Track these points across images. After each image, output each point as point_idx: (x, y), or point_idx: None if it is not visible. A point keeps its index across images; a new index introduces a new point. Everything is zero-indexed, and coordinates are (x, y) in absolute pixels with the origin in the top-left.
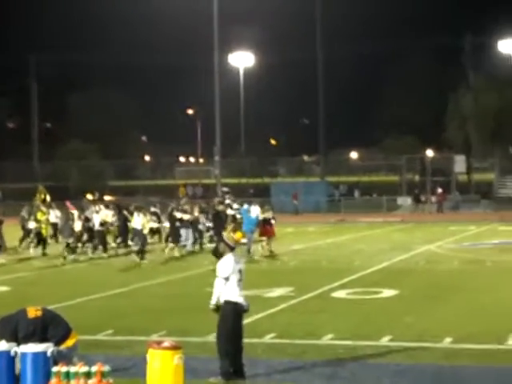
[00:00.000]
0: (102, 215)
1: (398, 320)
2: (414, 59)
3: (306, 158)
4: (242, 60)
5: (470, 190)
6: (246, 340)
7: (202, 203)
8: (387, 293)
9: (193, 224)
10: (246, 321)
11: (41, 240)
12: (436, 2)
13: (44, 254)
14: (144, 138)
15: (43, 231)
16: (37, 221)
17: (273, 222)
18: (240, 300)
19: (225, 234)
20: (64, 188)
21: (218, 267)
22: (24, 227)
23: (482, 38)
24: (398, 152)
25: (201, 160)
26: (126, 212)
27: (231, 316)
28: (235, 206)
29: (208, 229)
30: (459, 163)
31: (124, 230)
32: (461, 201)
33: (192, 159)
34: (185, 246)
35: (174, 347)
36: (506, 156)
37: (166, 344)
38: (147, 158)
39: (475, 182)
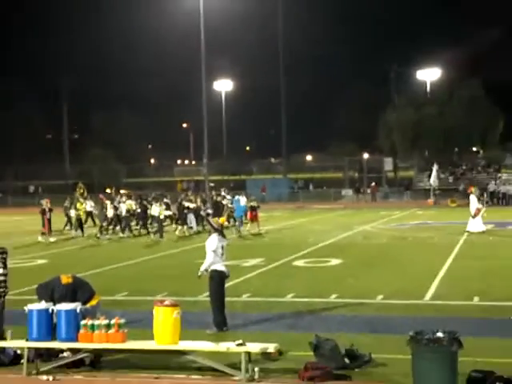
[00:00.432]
0: (127, 204)
1: (342, 282)
2: (355, 83)
3: (272, 160)
4: (223, 86)
5: (396, 184)
6: (228, 299)
7: (202, 194)
8: (334, 261)
9: (196, 211)
10: (227, 284)
11: (80, 224)
12: (368, 37)
13: (82, 235)
14: (150, 146)
15: (82, 217)
16: (77, 209)
17: (258, 209)
18: (223, 269)
19: (210, 219)
20: (89, 184)
21: (206, 244)
22: (67, 215)
23: (404, 67)
24: (342, 155)
25: (193, 162)
26: (145, 202)
27: (218, 280)
28: (229, 197)
29: (208, 214)
30: (388, 163)
31: (144, 216)
32: (389, 192)
33: (187, 161)
34: (191, 227)
35: (173, 305)
36: (423, 158)
37: (167, 302)
38: (152, 160)
39: (400, 177)
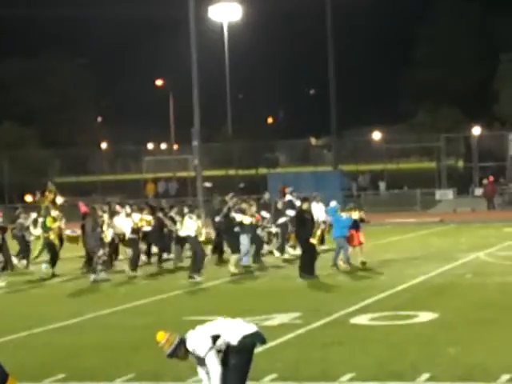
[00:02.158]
0: (140, 218)
1: (439, 353)
2: (449, 9)
3: (313, 140)
4: (225, 13)
5: None
6: None
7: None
8: (424, 317)
9: (254, 228)
10: None
11: (53, 253)
12: None
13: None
14: (99, 120)
15: (54, 242)
16: (46, 229)
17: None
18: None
19: None
20: None
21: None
22: (23, 237)
23: None
24: (435, 130)
25: (175, 147)
26: (161, 213)
27: (242, 356)
28: (298, 202)
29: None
30: None
31: (161, 236)
32: None
33: (164, 146)
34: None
35: None
36: None
37: None
38: (104, 145)
39: None
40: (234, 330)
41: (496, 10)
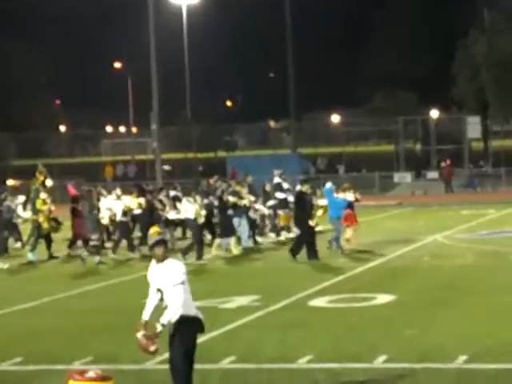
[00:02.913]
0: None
1: (396, 334)
2: None
3: (272, 123)
4: None
5: (487, 162)
6: (198, 366)
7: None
8: (382, 299)
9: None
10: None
11: (47, 238)
12: None
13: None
14: (57, 102)
15: (45, 226)
16: (36, 212)
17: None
18: (198, 315)
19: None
20: None
21: (171, 272)
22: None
23: None
24: (393, 113)
25: (134, 130)
26: (150, 196)
27: (191, 333)
28: (286, 184)
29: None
30: (473, 127)
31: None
32: (476, 176)
33: (122, 129)
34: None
35: (102, 378)
36: None
37: (91, 374)
38: (62, 128)
39: (494, 150)
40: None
41: None
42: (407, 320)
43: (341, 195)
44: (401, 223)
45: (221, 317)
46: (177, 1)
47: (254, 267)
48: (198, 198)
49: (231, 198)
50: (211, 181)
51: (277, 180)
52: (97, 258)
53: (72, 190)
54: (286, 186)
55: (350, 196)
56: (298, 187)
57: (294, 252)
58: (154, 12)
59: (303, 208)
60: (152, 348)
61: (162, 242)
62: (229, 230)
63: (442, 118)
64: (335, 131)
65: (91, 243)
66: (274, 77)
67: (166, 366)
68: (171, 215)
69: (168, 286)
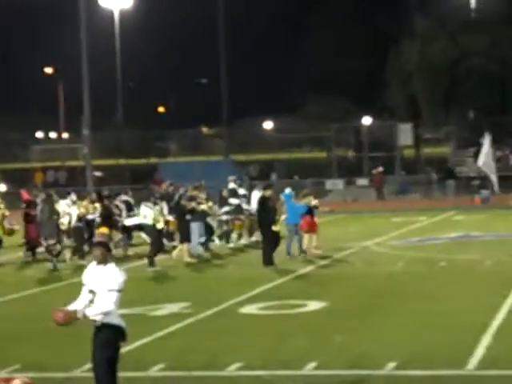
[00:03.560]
0: (81, 206)
1: (326, 341)
2: (338, 2)
3: (204, 129)
4: (116, 0)
5: (419, 169)
6: (124, 374)
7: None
8: (312, 306)
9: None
10: (125, 348)
11: None
12: None
13: None
14: None
15: None
16: None
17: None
18: (121, 323)
19: None
20: None
21: (108, 277)
22: None
23: None
24: (327, 120)
25: (64, 135)
26: (107, 202)
27: (114, 342)
28: (242, 190)
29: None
30: (405, 134)
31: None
32: (408, 183)
33: (53, 135)
34: (203, 244)
35: None
36: (465, 122)
37: (16, 382)
38: None
39: (426, 157)
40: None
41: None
42: (337, 327)
43: (302, 201)
44: (333, 230)
45: (151, 324)
46: (108, 5)
47: (187, 274)
48: (163, 204)
49: (193, 204)
50: (163, 186)
51: (231, 186)
52: (52, 263)
53: (25, 195)
54: (241, 191)
55: (311, 202)
56: (256, 193)
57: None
58: (85, 16)
59: (266, 213)
60: (59, 317)
61: (100, 244)
62: (187, 236)
63: (375, 125)
64: (268, 138)
65: (48, 248)
66: (207, 82)
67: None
68: (128, 221)
69: (102, 290)
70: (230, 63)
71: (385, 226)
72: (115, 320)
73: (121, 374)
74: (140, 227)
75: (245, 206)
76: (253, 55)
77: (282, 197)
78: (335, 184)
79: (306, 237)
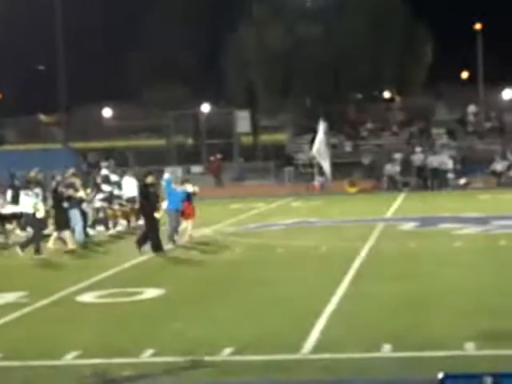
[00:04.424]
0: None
1: (162, 328)
2: None
3: (42, 117)
4: None
5: (257, 155)
6: None
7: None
8: (149, 293)
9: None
10: None
11: None
12: None
13: None
14: None
15: None
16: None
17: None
18: None
19: None
20: None
21: None
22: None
23: None
24: (165, 107)
25: None
26: None
27: None
28: (114, 177)
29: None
30: (243, 121)
31: None
32: (246, 169)
33: None
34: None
35: None
36: (302, 111)
37: None
38: None
39: (262, 144)
40: None
41: None
42: (174, 314)
43: (179, 187)
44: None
45: None
46: None
47: (24, 263)
48: (39, 190)
49: (70, 191)
50: (32, 173)
51: (104, 172)
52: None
53: None
54: (114, 178)
55: (189, 188)
56: (127, 178)
57: (140, 243)
58: None
59: (148, 200)
60: None
61: None
62: (65, 223)
63: (213, 112)
64: (107, 125)
65: None
66: (44, 69)
67: None
68: (5, 209)
69: None
70: (68, 50)
71: (223, 213)
72: None
73: None
74: (15, 216)
75: (116, 192)
76: (94, 41)
77: (162, 182)
78: (174, 172)
79: (185, 223)
